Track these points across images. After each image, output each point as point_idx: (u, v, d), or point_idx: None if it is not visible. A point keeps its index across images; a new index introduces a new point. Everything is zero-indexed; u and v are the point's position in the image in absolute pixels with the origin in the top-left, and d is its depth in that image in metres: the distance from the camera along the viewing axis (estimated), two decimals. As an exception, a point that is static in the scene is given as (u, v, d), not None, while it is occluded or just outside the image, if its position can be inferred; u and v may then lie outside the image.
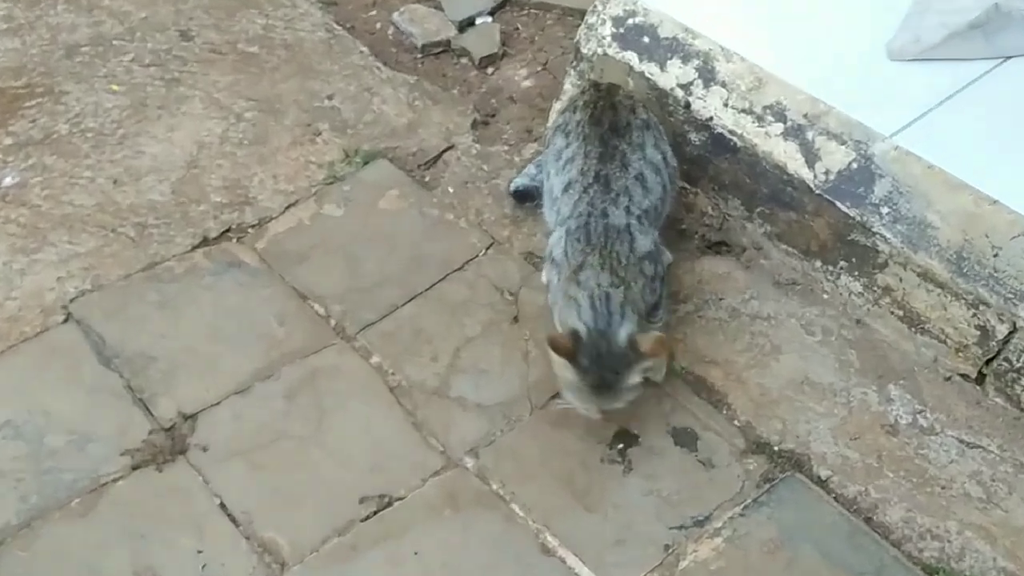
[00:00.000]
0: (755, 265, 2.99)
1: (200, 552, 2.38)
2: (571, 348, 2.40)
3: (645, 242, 2.60)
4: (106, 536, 2.40)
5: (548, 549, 2.40)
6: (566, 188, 2.68)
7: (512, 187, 3.15)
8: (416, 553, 2.40)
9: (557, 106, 3.27)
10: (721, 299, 2.91)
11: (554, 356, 2.43)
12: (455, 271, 2.98)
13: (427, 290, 2.93)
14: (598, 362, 2.40)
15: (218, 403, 2.66)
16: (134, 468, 2.53)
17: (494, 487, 2.51)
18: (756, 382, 2.72)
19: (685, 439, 2.62)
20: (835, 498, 2.51)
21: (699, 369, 2.75)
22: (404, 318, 2.87)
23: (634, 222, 2.60)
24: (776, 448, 2.60)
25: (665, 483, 2.53)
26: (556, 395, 2.64)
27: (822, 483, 2.53)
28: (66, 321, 2.81)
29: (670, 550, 2.40)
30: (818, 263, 2.91)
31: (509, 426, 2.64)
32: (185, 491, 2.49)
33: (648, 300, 2.56)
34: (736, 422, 2.65)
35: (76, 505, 2.46)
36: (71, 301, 2.86)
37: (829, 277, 2.90)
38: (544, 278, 2.77)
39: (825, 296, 2.90)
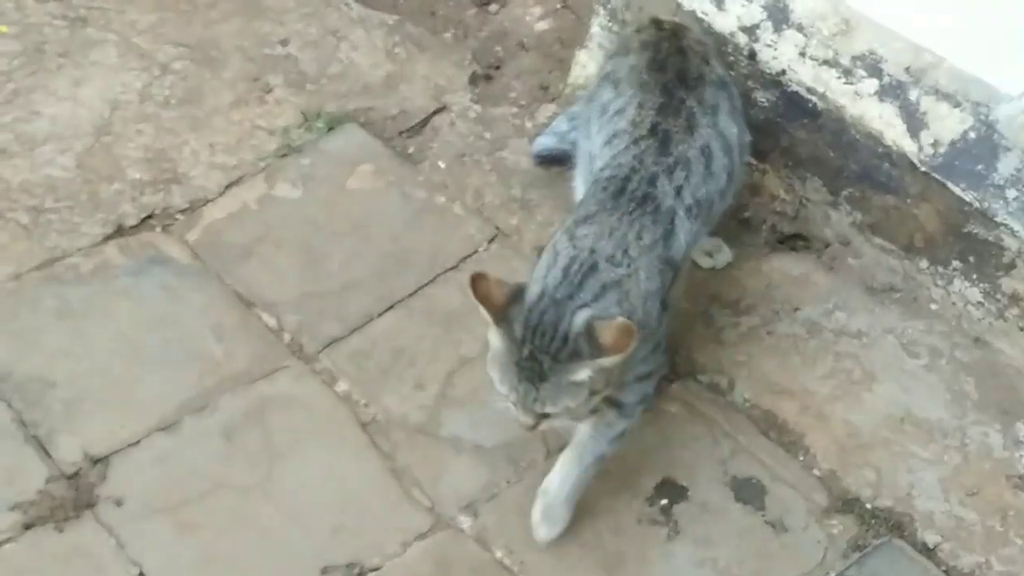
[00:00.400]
0: (841, 265, 3.01)
1: (112, 638, 2.39)
2: (496, 298, 2.34)
3: (680, 247, 2.54)
4: (-11, 617, 2.41)
5: (569, 636, 2.42)
6: (609, 140, 2.64)
7: (535, 149, 3.18)
8: (396, 641, 2.42)
9: (582, 56, 3.29)
10: (797, 309, 2.92)
11: (477, 302, 2.34)
12: (447, 271, 3.00)
13: (411, 296, 2.94)
14: (535, 336, 2.30)
15: (136, 443, 2.67)
16: (27, 527, 2.53)
17: (498, 555, 2.52)
18: (842, 419, 2.73)
19: (749, 493, 2.62)
20: (945, 571, 2.51)
21: (767, 401, 2.76)
22: (380, 333, 2.88)
23: (681, 211, 2.53)
24: (868, 506, 2.60)
25: (723, 550, 2.53)
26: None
27: (929, 552, 2.54)
28: (-63, 333, 2.83)
29: (728, 639, 2.41)
30: (924, 263, 2.92)
31: (517, 475, 2.65)
32: (93, 557, 2.49)
33: (646, 323, 2.42)
34: (816, 471, 2.66)
35: (-50, 575, 2.47)
36: (-56, 307, 2.87)
37: (939, 282, 2.90)
38: None
39: (933, 307, 2.91)
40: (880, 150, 2.88)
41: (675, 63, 2.71)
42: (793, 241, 3.06)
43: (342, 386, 2.78)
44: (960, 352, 2.84)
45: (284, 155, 3.22)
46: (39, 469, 2.61)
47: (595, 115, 2.78)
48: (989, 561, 2.52)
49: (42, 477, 2.60)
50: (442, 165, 3.22)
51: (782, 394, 2.77)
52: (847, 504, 2.60)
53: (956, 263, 2.85)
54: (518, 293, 2.35)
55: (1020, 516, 2.58)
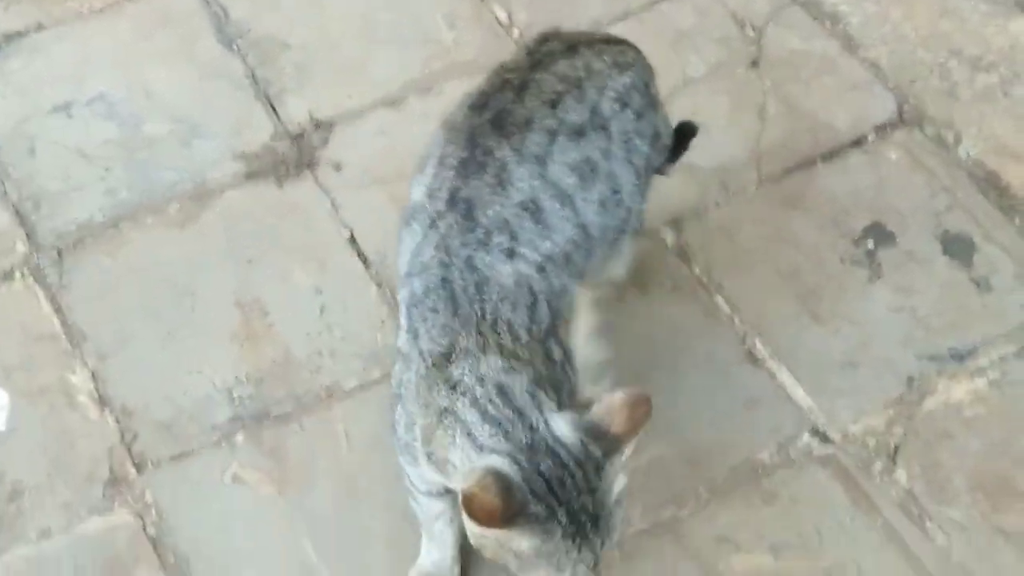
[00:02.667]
0: (1092, 35, 2.88)
1: (319, 292, 2.47)
2: (502, 504, 1.66)
3: (549, 313, 1.98)
4: (208, 253, 2.52)
5: (756, 359, 2.42)
6: (408, 221, 2.02)
7: None
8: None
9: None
10: (1039, 74, 2.82)
11: (484, 532, 1.71)
12: (684, -12, 2.94)
13: (644, 10, 2.90)
14: (564, 492, 1.71)
15: (361, 114, 2.73)
16: (248, 177, 2.63)
17: (696, 271, 2.53)
18: (1067, 190, 2.66)
19: (958, 249, 2.57)
20: None
21: (992, 161, 2.68)
22: (609, 41, 2.85)
23: (533, 271, 1.95)
24: (1078, 281, 2.54)
25: (922, 300, 2.50)
26: (791, 169, 2.66)
27: None
28: (182, -19, 2.90)
29: (914, 384, 2.39)
30: None
31: (726, 198, 2.63)
32: (308, 214, 2.58)
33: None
34: (1031, 237, 2.60)
35: (175, 211, 2.58)
36: (190, -46, 2.94)
37: None
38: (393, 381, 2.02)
39: None
40: None
41: (501, 101, 2.05)
42: (1047, 3, 2.93)
43: (564, 88, 2.78)
44: None
45: None
46: (266, 125, 2.70)
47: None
48: None
49: (268, 133, 2.69)
50: None
51: (1009, 157, 2.68)
52: (1058, 290, 2.55)
53: None
54: (499, 479, 1.68)
55: None
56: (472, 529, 1.71)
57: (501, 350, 1.84)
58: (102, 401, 2.32)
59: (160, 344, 2.40)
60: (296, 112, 2.71)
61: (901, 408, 2.36)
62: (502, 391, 1.79)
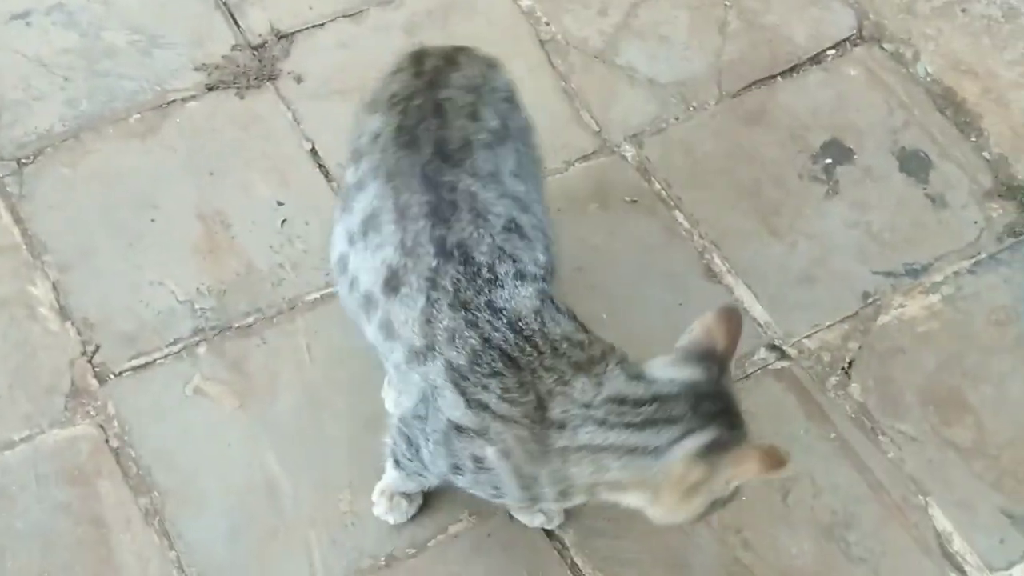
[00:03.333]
0: (1051, -47, 2.86)
1: (280, 204, 2.44)
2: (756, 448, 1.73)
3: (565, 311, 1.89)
4: (169, 164, 2.48)
5: (714, 273, 2.42)
6: (390, 284, 1.85)
7: None
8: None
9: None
10: (996, -9, 2.81)
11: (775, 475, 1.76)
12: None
13: (610, -81, 2.87)
14: (726, 416, 1.77)
15: (322, 25, 2.69)
16: (209, 88, 2.58)
17: (656, 187, 2.52)
18: (1023, 107, 2.65)
19: (914, 165, 2.57)
20: (1099, 267, 2.47)
21: (949, 78, 2.68)
22: (574, -47, 2.81)
23: (543, 285, 1.87)
24: (1031, 196, 2.56)
25: (878, 216, 2.50)
26: (751, 84, 2.66)
27: (1088, 247, 2.49)
28: None
29: (870, 299, 2.40)
30: None
31: (687, 114, 2.62)
32: (270, 126, 2.54)
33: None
34: (986, 154, 2.59)
35: (135, 122, 2.53)
36: None
37: None
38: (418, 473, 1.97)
39: None
40: None
41: (430, 131, 1.91)
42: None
43: (526, 0, 2.75)
44: None
45: None
46: (226, 35, 2.65)
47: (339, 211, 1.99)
48: None
49: (228, 44, 2.64)
50: None
51: (966, 73, 2.68)
52: (1011, 190, 2.54)
53: None
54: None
55: None
56: (689, 502, 1.73)
57: (579, 368, 1.77)
58: (63, 313, 2.29)
59: (122, 256, 2.37)
60: (257, 23, 2.66)
61: (856, 323, 2.37)
62: (618, 400, 1.73)
